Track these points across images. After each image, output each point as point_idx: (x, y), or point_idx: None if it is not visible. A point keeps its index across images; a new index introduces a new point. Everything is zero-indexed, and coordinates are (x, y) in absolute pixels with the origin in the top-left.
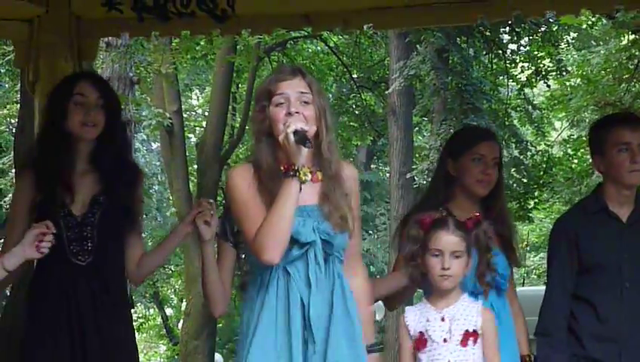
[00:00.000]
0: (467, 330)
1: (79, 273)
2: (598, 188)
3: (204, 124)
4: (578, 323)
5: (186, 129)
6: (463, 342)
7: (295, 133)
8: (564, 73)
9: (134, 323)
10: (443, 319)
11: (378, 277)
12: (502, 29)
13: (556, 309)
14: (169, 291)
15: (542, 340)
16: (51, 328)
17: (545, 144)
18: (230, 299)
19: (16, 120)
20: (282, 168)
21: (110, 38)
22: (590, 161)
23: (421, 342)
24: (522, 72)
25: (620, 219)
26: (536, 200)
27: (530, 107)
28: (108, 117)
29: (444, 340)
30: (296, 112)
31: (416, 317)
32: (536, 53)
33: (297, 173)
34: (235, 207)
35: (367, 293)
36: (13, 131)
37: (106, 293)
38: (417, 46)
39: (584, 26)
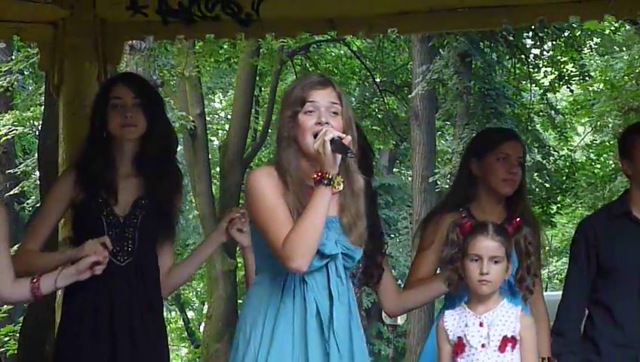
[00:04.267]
0: (505, 336)
1: (117, 273)
2: (625, 193)
3: (226, 127)
4: (596, 328)
5: (208, 132)
6: (502, 348)
7: (332, 141)
8: (587, 78)
9: None
10: (481, 324)
11: (404, 281)
12: (525, 34)
13: (571, 310)
14: (191, 294)
15: (556, 340)
16: (86, 326)
17: (568, 149)
18: None
19: (40, 123)
20: (315, 175)
21: (134, 41)
22: (613, 165)
23: (460, 346)
24: (545, 76)
25: None
26: (559, 204)
27: (553, 112)
28: (147, 115)
29: (483, 345)
30: (326, 122)
31: (455, 321)
32: (559, 58)
33: (331, 182)
34: (258, 211)
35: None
36: (37, 134)
37: (143, 295)
38: (440, 50)
39: (607, 32)
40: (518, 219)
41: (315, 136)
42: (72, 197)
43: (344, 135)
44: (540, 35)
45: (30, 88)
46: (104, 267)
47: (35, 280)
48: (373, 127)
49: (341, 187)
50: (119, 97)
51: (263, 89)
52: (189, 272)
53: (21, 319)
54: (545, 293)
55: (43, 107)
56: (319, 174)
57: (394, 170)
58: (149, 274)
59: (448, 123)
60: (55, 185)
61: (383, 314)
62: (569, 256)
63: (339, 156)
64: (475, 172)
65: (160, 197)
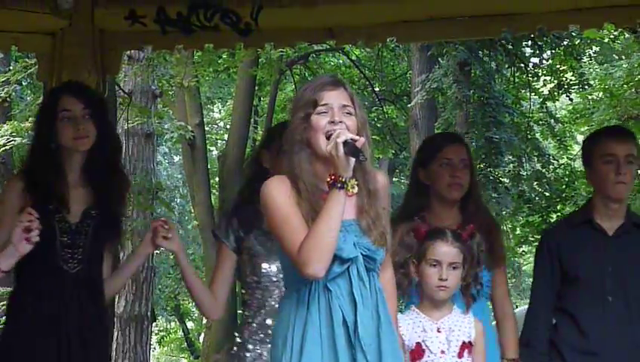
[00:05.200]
0: (464, 341)
1: (68, 280)
2: (587, 202)
3: (225, 137)
4: (560, 335)
5: (207, 142)
6: (460, 354)
7: (345, 143)
8: (586, 87)
9: (155, 337)
10: (439, 330)
11: None
12: (524, 43)
13: (538, 321)
14: (190, 304)
15: (524, 351)
16: (40, 331)
17: (567, 158)
18: (225, 303)
19: None
20: (329, 179)
21: (133, 51)
22: None
23: (418, 352)
24: (544, 85)
25: (605, 232)
26: (559, 213)
27: (552, 120)
28: (97, 125)
29: (442, 352)
30: (340, 122)
31: (409, 326)
32: (558, 66)
33: (345, 185)
34: (273, 220)
35: (395, 287)
36: None
37: (92, 303)
38: (439, 59)
39: (606, 40)
40: (471, 226)
41: (328, 137)
42: (21, 205)
43: (357, 137)
44: (539, 43)
45: (28, 99)
46: (38, 232)
47: None
48: (373, 136)
49: (355, 190)
50: (68, 109)
51: (262, 99)
52: (120, 285)
53: None
54: None
55: None
56: (332, 177)
57: (393, 179)
58: (97, 282)
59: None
60: (4, 194)
61: None
62: (533, 266)
63: (352, 159)
64: (423, 180)
65: (109, 209)
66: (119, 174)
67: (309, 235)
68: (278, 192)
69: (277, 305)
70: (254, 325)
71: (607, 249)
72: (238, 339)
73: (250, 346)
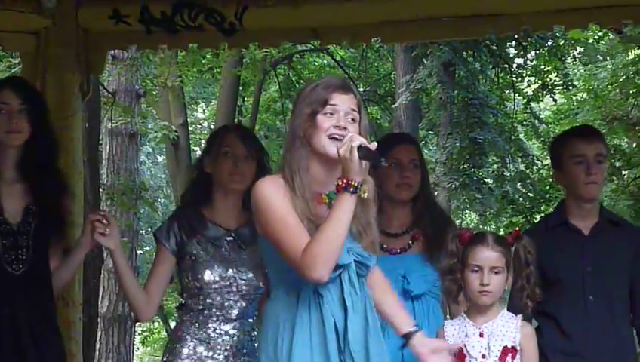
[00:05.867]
0: (506, 346)
1: (13, 282)
2: (561, 203)
3: None
4: (542, 338)
5: (191, 142)
6: (502, 358)
7: (359, 148)
8: (570, 88)
9: (139, 337)
10: (481, 334)
11: None
12: (508, 43)
13: None
14: (173, 304)
15: None
16: None
17: None
18: (159, 305)
19: None
20: (340, 183)
21: (116, 50)
22: None
23: (460, 357)
24: (529, 86)
25: (581, 233)
26: (543, 214)
27: (536, 121)
28: (33, 122)
29: (483, 356)
30: (344, 127)
31: (455, 331)
32: (542, 67)
33: (357, 190)
34: (269, 223)
35: (386, 280)
36: None
37: (40, 303)
38: (424, 60)
39: (590, 41)
40: (517, 229)
41: (329, 138)
42: None
43: (371, 143)
44: (524, 44)
45: None
46: None
47: None
48: None
49: (367, 195)
50: (5, 102)
51: (246, 99)
52: (68, 276)
53: None
54: None
55: None
56: (344, 182)
57: None
58: (43, 282)
59: (432, 132)
60: None
61: None
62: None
63: (364, 163)
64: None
65: (49, 203)
66: (55, 170)
67: (315, 239)
68: (273, 193)
69: (222, 312)
70: (196, 324)
71: (584, 249)
72: (173, 336)
73: (186, 343)
